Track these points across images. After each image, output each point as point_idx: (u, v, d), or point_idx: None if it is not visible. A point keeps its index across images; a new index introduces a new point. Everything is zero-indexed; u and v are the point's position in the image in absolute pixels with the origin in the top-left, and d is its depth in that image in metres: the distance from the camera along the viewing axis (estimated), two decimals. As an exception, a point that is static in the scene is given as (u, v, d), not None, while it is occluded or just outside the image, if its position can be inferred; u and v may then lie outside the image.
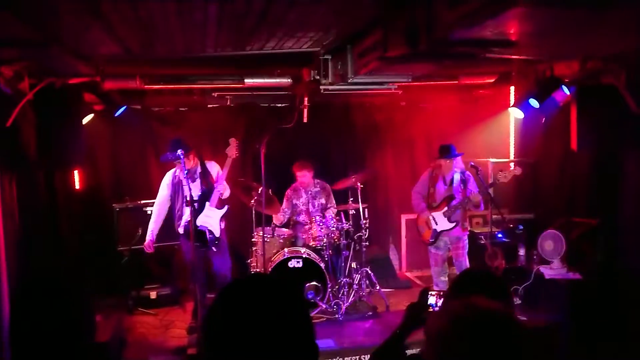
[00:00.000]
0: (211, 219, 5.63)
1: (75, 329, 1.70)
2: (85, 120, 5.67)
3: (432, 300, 2.34)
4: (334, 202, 6.69)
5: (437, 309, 2.29)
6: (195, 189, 5.56)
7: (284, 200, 6.63)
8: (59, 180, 5.87)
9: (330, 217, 6.32)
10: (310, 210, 6.56)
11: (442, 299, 2.27)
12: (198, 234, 5.46)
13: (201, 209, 5.59)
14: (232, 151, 5.64)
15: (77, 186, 6.60)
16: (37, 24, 3.64)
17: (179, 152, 5.33)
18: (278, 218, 6.58)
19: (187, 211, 5.46)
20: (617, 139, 4.87)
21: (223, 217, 5.71)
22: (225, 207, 5.73)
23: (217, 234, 5.63)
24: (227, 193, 5.79)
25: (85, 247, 6.37)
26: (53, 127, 4.83)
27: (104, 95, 5.64)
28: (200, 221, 5.57)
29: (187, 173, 5.40)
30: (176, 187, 5.71)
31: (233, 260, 6.01)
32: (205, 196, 5.65)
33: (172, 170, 5.78)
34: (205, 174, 5.73)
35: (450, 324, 1.43)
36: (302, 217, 6.57)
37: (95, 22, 3.68)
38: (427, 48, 3.09)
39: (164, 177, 5.85)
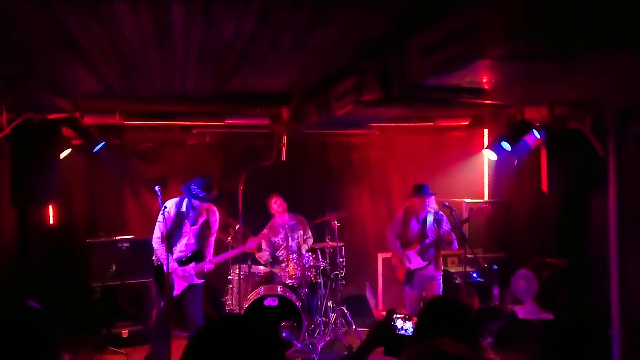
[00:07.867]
0: (182, 278, 5.24)
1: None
2: (63, 155, 5.65)
3: (398, 323, 2.42)
4: (310, 233, 6.71)
5: (402, 332, 2.39)
6: (190, 236, 5.28)
7: (262, 240, 6.59)
8: (32, 215, 5.79)
9: (307, 255, 6.32)
10: (290, 244, 6.55)
11: (409, 322, 2.39)
12: (163, 282, 5.12)
13: (185, 263, 5.26)
14: (251, 244, 5.67)
15: (51, 221, 6.51)
16: (16, 60, 3.68)
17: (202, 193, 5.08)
18: (262, 257, 6.56)
19: (177, 248, 5.22)
20: (584, 181, 5.05)
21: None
22: (202, 281, 5.38)
23: (177, 291, 5.25)
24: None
25: (57, 282, 6.24)
26: (29, 162, 4.82)
27: (82, 130, 5.65)
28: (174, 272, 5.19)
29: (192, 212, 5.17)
30: (179, 217, 5.22)
31: (208, 298, 5.88)
32: (196, 256, 5.33)
33: (176, 200, 5.27)
34: (208, 224, 5.38)
35: None
36: (282, 253, 6.56)
37: (76, 60, 3.74)
38: (400, 93, 3.20)
39: (167, 203, 5.10)
